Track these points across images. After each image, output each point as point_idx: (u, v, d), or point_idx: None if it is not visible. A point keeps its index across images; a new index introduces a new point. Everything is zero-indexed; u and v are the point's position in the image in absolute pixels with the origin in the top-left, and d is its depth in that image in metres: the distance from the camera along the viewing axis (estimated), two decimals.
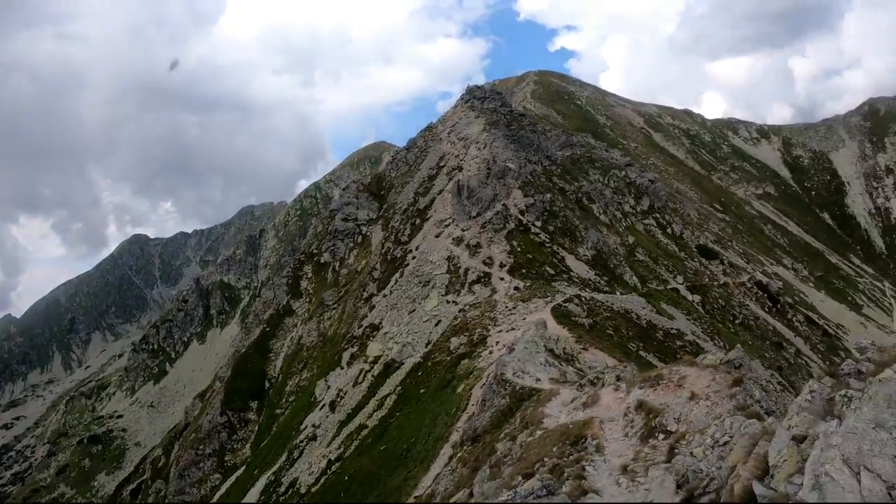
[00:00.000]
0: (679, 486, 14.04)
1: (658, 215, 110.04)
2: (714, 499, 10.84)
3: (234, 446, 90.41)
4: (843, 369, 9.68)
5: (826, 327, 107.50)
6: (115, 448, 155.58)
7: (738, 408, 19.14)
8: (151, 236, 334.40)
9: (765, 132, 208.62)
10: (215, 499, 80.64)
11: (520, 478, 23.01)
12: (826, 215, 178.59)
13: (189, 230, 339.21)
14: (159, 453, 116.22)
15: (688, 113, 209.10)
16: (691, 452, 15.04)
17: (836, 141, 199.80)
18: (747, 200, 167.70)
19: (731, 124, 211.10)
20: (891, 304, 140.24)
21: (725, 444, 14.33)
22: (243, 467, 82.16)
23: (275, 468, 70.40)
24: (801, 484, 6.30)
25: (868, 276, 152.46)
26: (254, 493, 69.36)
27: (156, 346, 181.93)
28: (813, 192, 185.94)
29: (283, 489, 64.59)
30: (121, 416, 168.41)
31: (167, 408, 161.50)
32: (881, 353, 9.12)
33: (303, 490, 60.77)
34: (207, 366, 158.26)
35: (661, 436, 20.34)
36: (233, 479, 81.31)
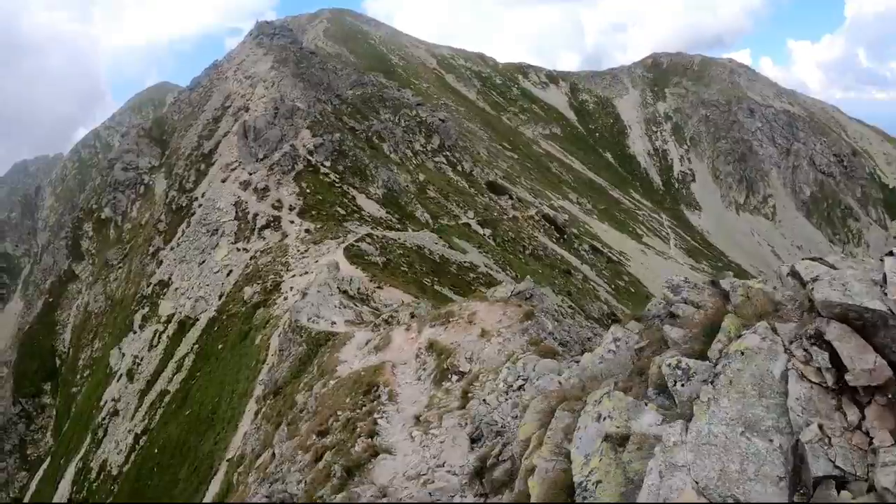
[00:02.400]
0: (473, 441, 12.11)
1: (448, 153, 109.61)
2: (509, 470, 8.67)
3: (35, 437, 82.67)
4: (649, 311, 7.60)
5: (610, 255, 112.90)
6: None
7: (531, 343, 17.89)
8: None
9: (553, 77, 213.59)
10: (26, 500, 72.83)
11: (314, 436, 21.19)
12: (609, 155, 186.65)
13: None
14: None
15: (480, 56, 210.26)
16: (484, 399, 13.06)
17: (620, 89, 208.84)
18: (535, 140, 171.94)
19: (522, 68, 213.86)
20: (668, 233, 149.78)
21: (520, 388, 12.60)
22: (48, 458, 75.04)
23: (81, 453, 64.87)
24: None
25: (647, 209, 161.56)
26: (65, 486, 63.65)
27: None
28: (597, 134, 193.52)
29: (94, 475, 59.77)
30: None
31: None
32: (698, 292, 7.05)
33: (114, 472, 56.77)
34: None
35: (455, 377, 18.68)
36: (40, 473, 74.24)
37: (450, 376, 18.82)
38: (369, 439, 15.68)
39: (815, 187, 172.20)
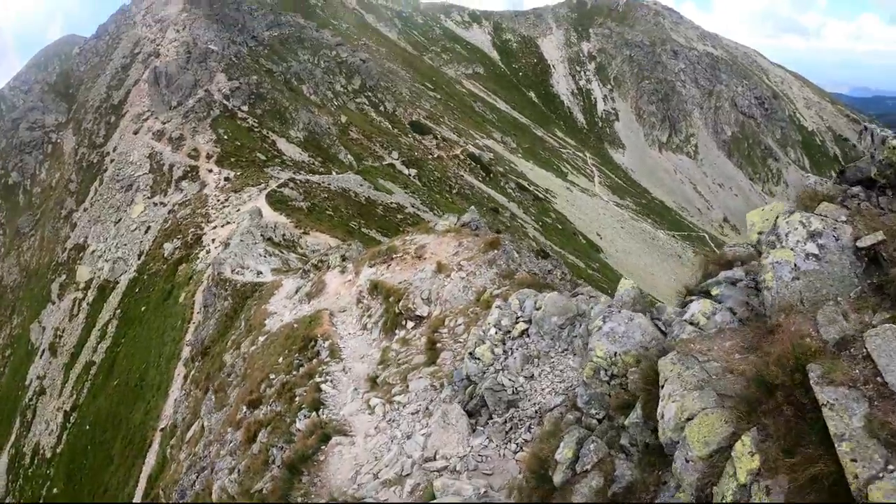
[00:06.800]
0: (471, 415, 8.05)
1: (370, 94, 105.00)
2: (600, 488, 4.57)
3: None
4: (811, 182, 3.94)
5: (536, 193, 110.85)
6: None
7: (504, 276, 13.87)
8: None
9: (476, 17, 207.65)
10: None
11: (244, 407, 16.87)
12: (532, 94, 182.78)
13: None
14: None
15: None
16: (471, 353, 8.75)
17: (544, 28, 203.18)
18: (458, 80, 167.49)
19: (444, 8, 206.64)
20: (592, 171, 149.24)
21: (522, 334, 8.44)
22: None
23: (12, 440, 60.88)
24: None
25: (571, 148, 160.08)
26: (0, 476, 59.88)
27: None
28: (521, 74, 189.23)
29: (28, 461, 56.08)
30: None
31: None
32: None
33: (48, 454, 53.30)
34: None
35: (411, 324, 14.42)
36: None
37: (404, 322, 14.96)
38: (314, 413, 11.93)
39: (736, 128, 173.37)
